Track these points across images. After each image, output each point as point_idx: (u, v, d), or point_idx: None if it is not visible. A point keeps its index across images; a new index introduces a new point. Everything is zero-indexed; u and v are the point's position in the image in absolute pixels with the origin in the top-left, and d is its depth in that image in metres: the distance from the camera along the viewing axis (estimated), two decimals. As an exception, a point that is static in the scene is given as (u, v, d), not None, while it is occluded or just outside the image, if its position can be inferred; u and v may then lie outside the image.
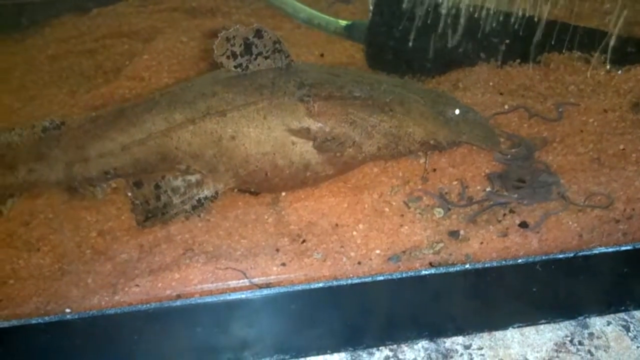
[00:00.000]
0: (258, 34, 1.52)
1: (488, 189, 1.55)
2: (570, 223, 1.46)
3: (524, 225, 1.46)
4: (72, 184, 1.58)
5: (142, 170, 1.58)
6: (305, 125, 1.50)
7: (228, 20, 2.34)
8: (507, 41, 1.94)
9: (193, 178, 1.55)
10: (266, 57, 1.55)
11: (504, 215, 1.49)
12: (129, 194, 1.54)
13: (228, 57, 1.53)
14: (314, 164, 1.52)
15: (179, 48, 2.13)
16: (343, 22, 2.25)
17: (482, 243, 1.43)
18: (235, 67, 1.55)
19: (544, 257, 1.39)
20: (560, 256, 1.39)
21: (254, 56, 1.55)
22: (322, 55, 2.13)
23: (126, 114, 1.58)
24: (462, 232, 1.46)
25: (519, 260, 1.38)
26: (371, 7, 2.07)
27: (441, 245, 1.43)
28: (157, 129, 1.54)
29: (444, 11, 1.90)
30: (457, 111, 1.65)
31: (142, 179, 1.54)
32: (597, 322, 1.50)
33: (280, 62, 1.57)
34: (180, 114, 1.53)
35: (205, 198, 1.54)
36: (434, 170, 1.61)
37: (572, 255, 1.39)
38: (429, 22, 1.93)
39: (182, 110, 1.54)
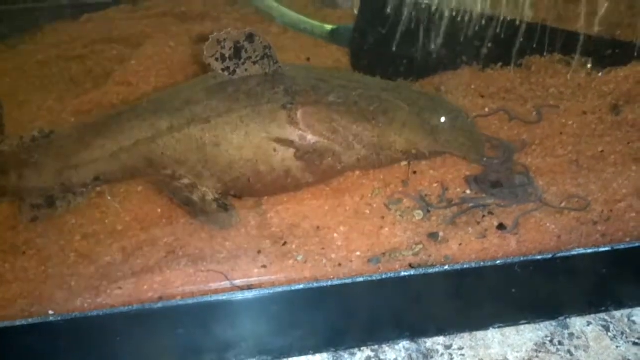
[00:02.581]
0: (249, 38, 1.53)
1: (468, 192, 1.56)
2: (548, 225, 1.47)
3: (502, 227, 1.47)
4: (60, 190, 1.60)
5: (130, 175, 1.61)
6: (287, 132, 1.52)
7: (217, 25, 2.34)
8: (489, 44, 1.96)
9: (185, 181, 1.57)
10: (255, 62, 1.56)
11: (483, 217, 1.50)
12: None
13: (217, 60, 1.54)
14: (295, 171, 1.54)
15: (167, 53, 2.14)
16: (328, 27, 2.26)
17: (461, 244, 1.44)
18: (223, 70, 1.56)
19: (522, 259, 1.39)
20: (539, 257, 1.40)
21: (242, 60, 1.56)
22: (308, 59, 2.14)
23: (114, 121, 1.61)
24: (441, 233, 1.47)
25: (498, 262, 1.39)
26: (356, 12, 2.09)
27: (420, 246, 1.44)
28: (143, 136, 1.56)
29: (427, 15, 1.92)
30: (443, 119, 1.64)
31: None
32: (577, 323, 1.50)
33: (268, 67, 1.58)
34: (165, 121, 1.56)
35: (218, 199, 1.56)
36: (415, 172, 1.62)
37: (550, 256, 1.40)
38: (412, 26, 1.95)
39: (168, 117, 1.56)
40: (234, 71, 1.56)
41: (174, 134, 1.54)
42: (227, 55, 1.54)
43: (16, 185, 1.61)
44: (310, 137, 1.52)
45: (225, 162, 1.53)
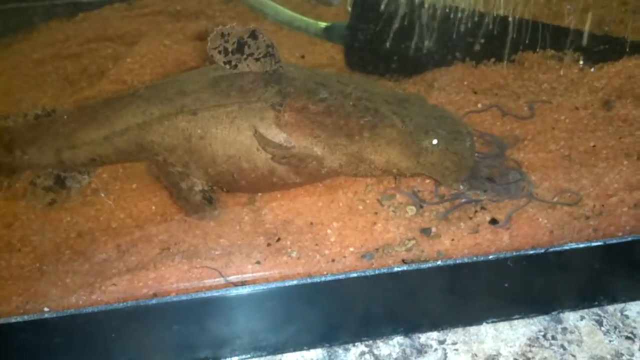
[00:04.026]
0: (253, 35, 1.53)
1: (460, 187, 1.56)
2: (540, 219, 1.47)
3: (494, 222, 1.47)
4: (61, 169, 1.65)
5: (124, 159, 1.65)
6: (271, 133, 1.50)
7: (211, 23, 2.35)
8: (482, 41, 1.96)
9: (178, 169, 1.59)
10: (257, 59, 1.56)
11: (475, 212, 1.51)
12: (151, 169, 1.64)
13: (219, 52, 1.54)
14: (280, 171, 1.53)
15: (161, 51, 2.15)
16: (322, 24, 2.26)
17: (453, 240, 1.44)
18: (225, 63, 1.55)
19: (514, 253, 1.40)
20: (531, 252, 1.40)
21: (245, 56, 1.55)
22: (302, 57, 2.14)
23: (110, 104, 1.65)
24: (434, 229, 1.47)
25: (490, 257, 1.39)
26: (350, 9, 2.09)
27: (413, 242, 1.44)
28: (134, 122, 1.59)
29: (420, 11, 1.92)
30: (435, 141, 1.55)
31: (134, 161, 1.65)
32: (570, 317, 1.51)
33: (269, 66, 1.57)
34: (157, 108, 1.58)
35: (205, 191, 1.58)
36: (407, 168, 1.62)
37: (543, 251, 1.40)
38: (406, 23, 1.95)
39: (159, 106, 1.58)
40: (236, 66, 1.56)
41: (163, 123, 1.56)
42: (230, 50, 1.54)
43: (20, 162, 1.66)
44: (292, 141, 1.51)
45: (209, 155, 1.54)
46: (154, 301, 1.33)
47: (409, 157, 1.55)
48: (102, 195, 1.59)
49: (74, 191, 1.64)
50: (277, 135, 1.51)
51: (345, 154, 1.53)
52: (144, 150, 1.59)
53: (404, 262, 1.41)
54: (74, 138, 1.63)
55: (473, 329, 1.48)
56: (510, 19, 1.91)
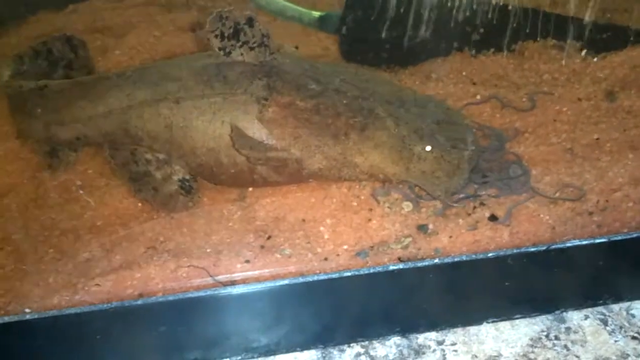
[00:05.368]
0: (249, 22, 1.50)
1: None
2: (542, 215, 1.45)
3: (493, 218, 1.44)
4: (51, 143, 1.65)
5: (110, 141, 1.61)
6: (253, 128, 1.47)
7: (203, 14, 2.32)
8: (481, 30, 1.94)
9: (160, 156, 1.56)
10: (251, 48, 1.53)
11: (474, 208, 1.48)
12: (109, 158, 1.59)
13: (216, 36, 1.51)
14: (260, 170, 1.50)
15: (151, 43, 2.13)
16: (316, 14, 2.25)
17: (451, 237, 1.42)
18: (220, 49, 1.52)
19: (515, 251, 1.37)
20: (533, 249, 1.37)
21: (240, 43, 1.52)
22: (296, 47, 2.11)
23: (97, 85, 1.62)
24: (431, 226, 1.44)
25: (490, 254, 1.36)
26: (344, -2, 2.07)
27: (409, 239, 1.41)
28: (118, 105, 1.56)
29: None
30: (429, 148, 1.51)
31: (118, 145, 1.59)
32: (574, 317, 1.48)
33: (263, 57, 1.54)
34: (141, 93, 1.55)
35: (186, 180, 1.55)
36: (404, 163, 1.59)
37: (544, 248, 1.37)
38: (402, 11, 1.92)
39: (144, 91, 1.55)
40: (229, 52, 1.53)
41: (145, 109, 1.53)
42: (226, 34, 1.51)
43: (19, 128, 1.70)
44: (272, 140, 1.47)
45: (189, 146, 1.51)
46: (139, 302, 1.30)
47: (397, 163, 1.51)
48: (81, 192, 1.56)
49: (66, 166, 1.65)
50: (258, 132, 1.47)
51: (327, 157, 1.49)
52: (127, 135, 1.57)
53: (400, 260, 1.38)
54: (61, 114, 1.62)
55: (473, 329, 1.46)
56: (510, 7, 1.87)
